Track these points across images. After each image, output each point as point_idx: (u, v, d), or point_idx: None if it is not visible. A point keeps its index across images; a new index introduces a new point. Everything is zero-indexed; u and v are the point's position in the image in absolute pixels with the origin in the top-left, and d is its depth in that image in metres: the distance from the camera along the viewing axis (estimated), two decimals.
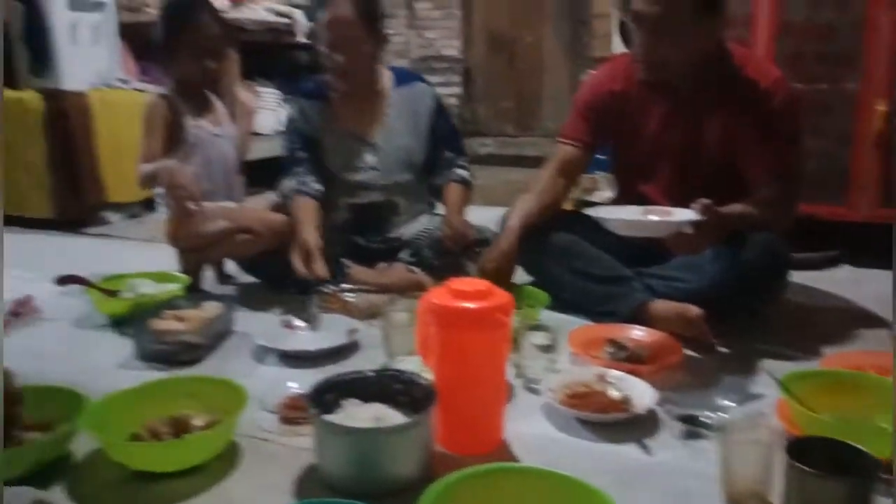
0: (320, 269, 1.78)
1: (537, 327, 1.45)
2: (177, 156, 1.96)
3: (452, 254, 1.93)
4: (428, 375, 1.18)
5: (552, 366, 1.41)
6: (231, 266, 2.16)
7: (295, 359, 1.56)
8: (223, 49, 2.07)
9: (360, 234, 2.06)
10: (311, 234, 1.84)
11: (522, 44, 4.94)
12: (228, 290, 2.09)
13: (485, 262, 1.76)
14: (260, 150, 3.22)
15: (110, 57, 3.17)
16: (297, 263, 1.79)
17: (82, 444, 1.17)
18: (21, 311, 1.83)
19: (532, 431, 1.24)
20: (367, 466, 1.04)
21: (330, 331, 1.66)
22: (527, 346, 1.41)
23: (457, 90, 5.02)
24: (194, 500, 1.06)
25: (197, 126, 2.02)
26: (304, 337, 1.65)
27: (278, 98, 3.97)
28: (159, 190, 2.03)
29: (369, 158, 2.03)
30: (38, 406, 1.16)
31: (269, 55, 4.01)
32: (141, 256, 2.33)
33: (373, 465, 1.04)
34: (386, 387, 1.17)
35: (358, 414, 1.12)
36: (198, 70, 1.99)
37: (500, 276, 1.67)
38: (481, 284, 1.14)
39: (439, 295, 1.14)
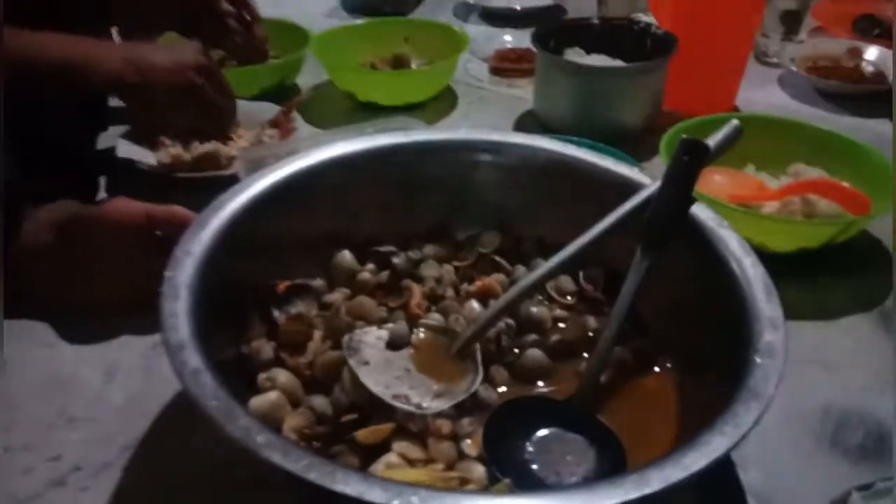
0: None
1: None
2: None
3: None
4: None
5: (793, 37, 1.25)
6: None
7: (499, 18, 1.49)
8: None
9: None
10: None
11: None
12: None
13: None
14: None
15: None
16: None
17: (309, 77, 1.21)
18: None
19: (767, 100, 1.14)
20: (589, 108, 1.00)
21: None
22: (768, 13, 1.25)
23: None
24: None
25: None
26: None
27: None
28: None
29: None
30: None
31: None
32: None
33: (596, 107, 1.00)
34: (613, 37, 1.09)
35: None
36: None
37: None
38: None
39: None
